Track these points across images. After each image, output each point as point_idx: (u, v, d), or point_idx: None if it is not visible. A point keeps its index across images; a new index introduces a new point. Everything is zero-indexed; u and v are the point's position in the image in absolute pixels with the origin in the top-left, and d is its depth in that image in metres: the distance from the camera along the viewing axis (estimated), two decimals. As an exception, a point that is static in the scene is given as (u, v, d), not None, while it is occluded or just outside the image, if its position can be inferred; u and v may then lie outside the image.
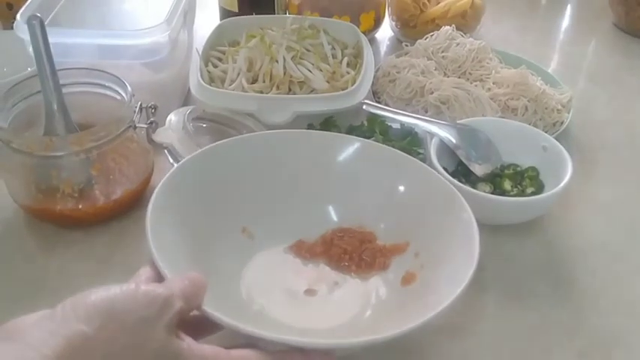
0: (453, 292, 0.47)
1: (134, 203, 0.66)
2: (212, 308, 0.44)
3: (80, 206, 0.63)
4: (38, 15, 0.58)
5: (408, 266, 0.57)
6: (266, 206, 0.61)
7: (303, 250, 0.60)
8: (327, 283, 0.57)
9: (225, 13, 0.94)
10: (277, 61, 0.76)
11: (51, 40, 0.59)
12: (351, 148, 0.63)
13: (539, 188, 0.67)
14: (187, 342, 0.42)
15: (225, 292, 0.53)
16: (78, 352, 0.36)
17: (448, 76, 0.81)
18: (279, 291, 0.56)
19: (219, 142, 0.60)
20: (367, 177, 0.62)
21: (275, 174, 0.61)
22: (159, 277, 0.46)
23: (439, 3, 0.96)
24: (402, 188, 0.61)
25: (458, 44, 0.85)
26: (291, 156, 0.62)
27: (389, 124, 0.72)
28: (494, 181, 0.68)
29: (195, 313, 0.45)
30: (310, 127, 0.71)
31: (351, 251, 0.59)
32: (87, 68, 0.68)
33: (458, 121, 0.71)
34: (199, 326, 0.47)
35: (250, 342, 0.44)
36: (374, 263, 0.58)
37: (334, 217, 0.62)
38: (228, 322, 0.43)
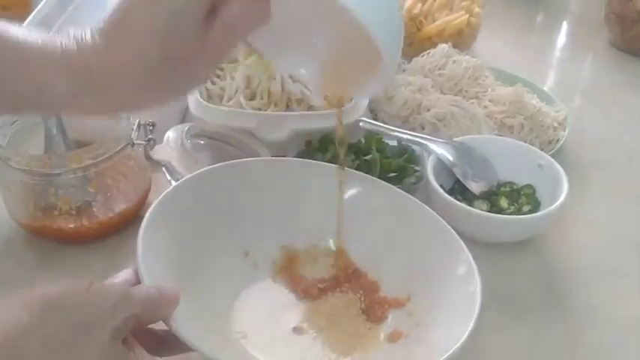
0: (446, 351, 0.44)
1: (132, 220, 0.66)
2: (183, 326, 0.42)
3: (78, 223, 0.63)
4: None
5: (401, 322, 0.54)
6: (265, 235, 0.59)
7: (300, 288, 0.57)
8: (318, 323, 0.55)
9: (224, 31, 0.95)
10: (275, 79, 0.76)
11: (50, 58, 0.59)
12: (355, 185, 0.60)
13: (536, 206, 0.68)
14: (136, 351, 0.40)
15: (206, 314, 0.51)
16: (10, 338, 0.36)
17: (445, 94, 0.82)
18: (265, 323, 0.54)
19: (219, 164, 0.59)
20: (370, 217, 0.59)
21: (275, 203, 0.59)
22: (137, 282, 0.45)
23: (435, 21, 0.96)
24: (404, 235, 0.58)
25: (454, 62, 0.85)
26: (294, 185, 0.60)
27: (386, 141, 0.72)
28: (491, 198, 0.69)
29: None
30: (308, 144, 0.71)
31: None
32: (86, 86, 0.68)
33: (454, 139, 0.71)
34: (164, 342, 0.45)
35: None
36: (370, 314, 0.56)
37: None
38: (187, 338, 0.42)
